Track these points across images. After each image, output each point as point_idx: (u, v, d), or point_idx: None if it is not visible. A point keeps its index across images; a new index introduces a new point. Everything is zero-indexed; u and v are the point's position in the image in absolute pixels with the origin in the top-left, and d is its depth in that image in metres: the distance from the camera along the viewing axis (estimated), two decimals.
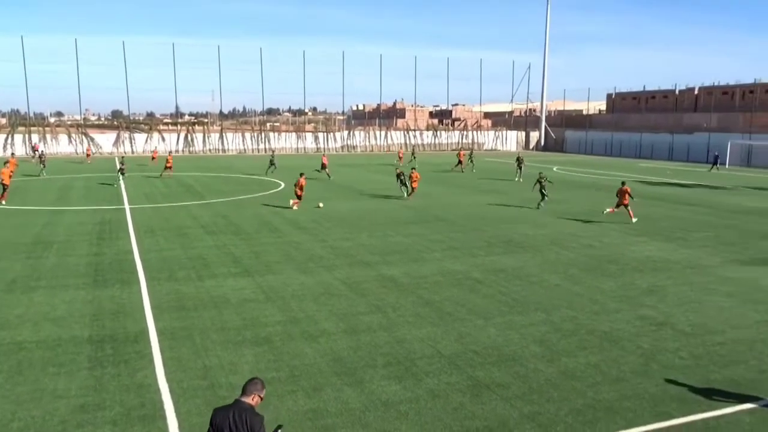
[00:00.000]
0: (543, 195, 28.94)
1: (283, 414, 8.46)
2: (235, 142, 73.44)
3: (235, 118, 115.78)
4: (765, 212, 28.42)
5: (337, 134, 78.88)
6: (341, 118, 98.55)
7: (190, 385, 9.40)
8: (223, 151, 72.41)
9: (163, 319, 12.46)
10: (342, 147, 77.65)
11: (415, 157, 55.87)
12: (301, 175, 29.10)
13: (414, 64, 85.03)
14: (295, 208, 27.44)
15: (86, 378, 9.64)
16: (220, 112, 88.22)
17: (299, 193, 27.99)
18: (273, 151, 52.30)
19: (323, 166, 42.14)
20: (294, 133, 77.19)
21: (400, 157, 57.10)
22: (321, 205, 28.38)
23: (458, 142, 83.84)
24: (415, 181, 31.39)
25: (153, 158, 55.14)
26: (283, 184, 37.64)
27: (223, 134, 73.49)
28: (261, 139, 74.39)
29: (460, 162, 50.10)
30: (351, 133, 79.80)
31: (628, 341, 11.52)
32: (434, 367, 10.17)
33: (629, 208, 25.24)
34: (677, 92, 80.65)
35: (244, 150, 73.22)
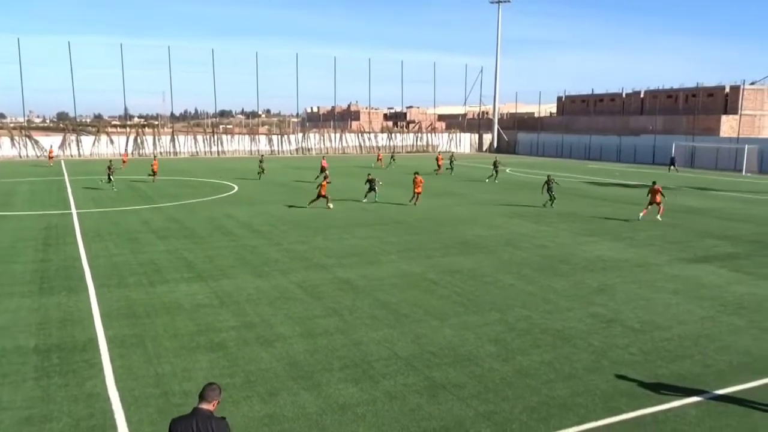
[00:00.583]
0: (551, 196, 30.22)
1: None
2: (187, 144, 72.11)
3: (187, 120, 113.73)
4: (707, 211, 29.48)
5: (292, 137, 78.30)
6: (295, 120, 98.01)
7: (142, 394, 9.18)
8: (175, 153, 71.01)
9: (113, 326, 12.14)
10: (296, 149, 77.15)
11: (394, 160, 56.04)
12: (325, 178, 29.80)
13: (368, 66, 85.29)
14: (331, 206, 28.42)
15: (32, 389, 9.31)
16: (171, 114, 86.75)
17: (323, 192, 28.49)
18: (262, 156, 50.75)
19: (322, 169, 41.95)
20: (247, 136, 76.28)
21: (379, 159, 57.02)
22: (331, 206, 28.57)
23: (413, 144, 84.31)
24: (418, 185, 30.28)
25: (123, 162, 53.72)
26: (236, 187, 37.17)
27: (175, 137, 72.09)
28: (213, 141, 73.26)
29: (439, 167, 49.46)
30: (305, 135, 79.35)
31: (580, 339, 11.78)
32: (391, 369, 10.20)
33: (661, 205, 26.31)
34: (624, 96, 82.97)
35: (197, 153, 71.98)
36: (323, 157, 48.32)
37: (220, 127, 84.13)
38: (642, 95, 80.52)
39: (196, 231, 22.53)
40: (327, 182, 29.30)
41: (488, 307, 13.67)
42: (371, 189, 31.48)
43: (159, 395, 9.15)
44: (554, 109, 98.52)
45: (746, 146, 55.90)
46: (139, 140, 70.30)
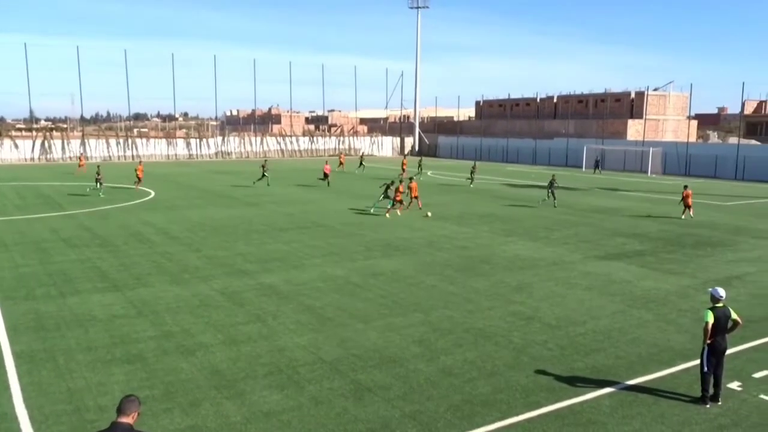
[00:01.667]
0: (553, 195, 32.30)
1: None
2: (99, 149, 69.04)
3: (99, 124, 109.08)
4: (616, 211, 31.00)
5: (211, 140, 76.44)
6: (214, 123, 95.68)
7: (53, 411, 8.71)
8: (86, 158, 67.89)
9: (21, 341, 11.46)
10: (216, 153, 75.40)
11: (362, 165, 55.38)
12: (401, 182, 29.02)
13: (289, 69, 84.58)
14: (398, 213, 28.03)
15: None
16: (81, 117, 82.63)
17: (399, 197, 27.92)
18: (265, 160, 48.23)
19: (340, 163, 41.60)
20: (164, 140, 73.88)
21: (341, 163, 56.10)
22: (429, 214, 28.02)
23: (335, 148, 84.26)
24: (414, 191, 30.03)
25: (80, 166, 50.98)
26: (153, 193, 35.92)
27: (85, 141, 68.87)
28: (127, 145, 70.52)
29: (403, 171, 48.21)
30: (225, 139, 77.68)
31: (501, 336, 12.11)
32: (316, 374, 10.13)
33: (691, 207, 28.64)
34: (538, 100, 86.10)
35: (109, 157, 69.03)
36: (326, 162, 47.16)
37: (135, 130, 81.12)
38: (555, 100, 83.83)
39: (110, 239, 21.61)
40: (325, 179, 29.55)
41: (412, 309, 13.83)
42: (386, 196, 29.52)
43: (72, 412, 8.71)
44: (473, 113, 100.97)
45: (651, 149, 59.21)
46: (46, 145, 66.72)
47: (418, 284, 15.98)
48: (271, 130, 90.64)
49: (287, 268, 17.48)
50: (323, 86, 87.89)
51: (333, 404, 9.06)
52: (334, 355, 11.00)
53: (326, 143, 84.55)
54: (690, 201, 28.73)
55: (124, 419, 5.30)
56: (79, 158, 54.38)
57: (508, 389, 9.68)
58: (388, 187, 29.62)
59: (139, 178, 38.59)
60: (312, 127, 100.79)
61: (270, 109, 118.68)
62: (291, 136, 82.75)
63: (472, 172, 44.46)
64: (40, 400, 9.05)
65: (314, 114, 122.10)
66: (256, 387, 9.60)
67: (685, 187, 29.74)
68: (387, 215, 27.72)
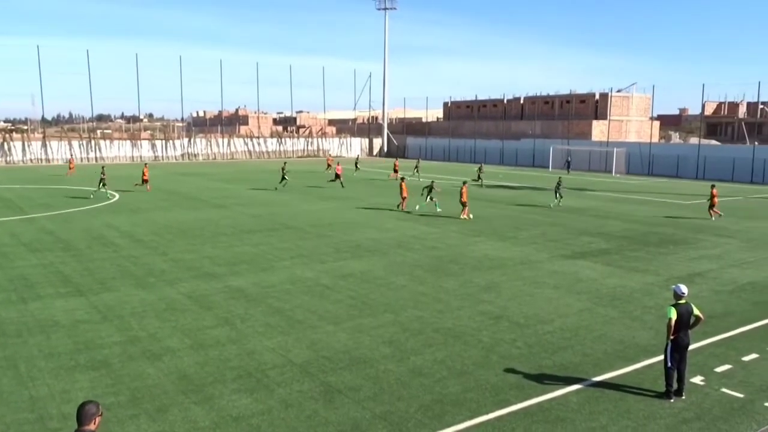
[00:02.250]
0: (559, 195, 33.37)
1: None
2: (61, 150, 67.49)
3: (61, 125, 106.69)
4: (582, 211, 31.47)
5: (177, 142, 75.37)
6: (180, 125, 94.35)
7: (14, 420, 8.48)
8: (47, 160, 66.30)
9: None
10: (182, 155, 74.39)
11: (358, 168, 55.40)
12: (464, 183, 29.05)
13: (256, 70, 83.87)
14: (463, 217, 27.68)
15: None
16: (43, 118, 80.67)
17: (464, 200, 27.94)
18: (285, 162, 47.02)
19: (395, 170, 43.41)
20: (128, 141, 72.60)
21: (329, 165, 55.23)
22: (471, 216, 28.45)
23: (304, 149, 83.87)
24: (404, 190, 30.86)
25: (71, 168, 50.46)
26: (117, 195, 35.28)
27: (47, 142, 67.29)
28: (91, 147, 69.12)
29: (395, 172, 46.83)
30: (192, 140, 76.68)
31: (470, 336, 12.19)
32: (286, 377, 10.06)
33: (715, 207, 29.41)
34: (505, 102, 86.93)
35: (72, 159, 67.63)
36: (338, 163, 46.75)
37: (98, 132, 79.51)
38: (522, 101, 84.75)
39: (73, 243, 21.15)
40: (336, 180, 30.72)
41: (382, 309, 13.83)
42: (430, 196, 30.73)
43: (34, 420, 8.49)
44: (441, 114, 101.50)
45: (615, 149, 60.28)
46: (6, 146, 65.02)
47: (388, 285, 15.99)
48: (239, 131, 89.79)
49: (256, 271, 17.33)
50: (291, 87, 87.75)
51: (303, 407, 9.00)
52: (304, 357, 10.94)
53: (295, 144, 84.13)
54: (715, 200, 29.35)
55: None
56: (69, 161, 53.67)
57: (477, 388, 9.75)
58: (431, 189, 30.83)
59: (145, 180, 38.11)
60: (280, 128, 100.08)
61: (237, 111, 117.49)
62: (259, 137, 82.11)
63: (479, 171, 45.97)
64: (1, 409, 8.81)
65: (282, 115, 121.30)
66: (225, 391, 9.49)
67: (713, 186, 30.52)
68: (438, 209, 30.05)
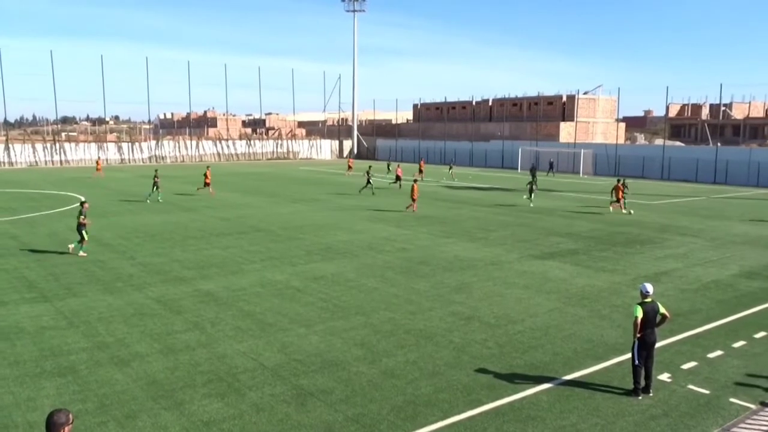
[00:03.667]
0: (532, 192, 35.00)
1: None
2: (25, 154, 65.96)
3: (24, 128, 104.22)
4: (551, 211, 31.86)
5: (144, 144, 74.22)
6: (147, 127, 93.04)
7: None
8: (10, 164, 64.70)
9: None
10: (150, 158, 73.30)
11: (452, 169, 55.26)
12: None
13: (224, 71, 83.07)
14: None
15: None
16: (5, 120, 78.76)
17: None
18: (369, 166, 45.46)
19: (398, 178, 42.47)
20: (94, 144, 71.25)
21: (421, 170, 52.32)
22: (632, 211, 30.89)
23: (273, 152, 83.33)
24: (414, 192, 31.02)
25: (98, 170, 50.79)
26: (83, 199, 34.51)
27: (9, 145, 65.66)
28: (55, 150, 67.68)
29: (398, 178, 44.27)
30: (159, 143, 75.61)
31: (442, 336, 12.24)
32: (257, 381, 9.98)
33: (623, 202, 31.28)
34: (474, 103, 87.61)
35: (36, 162, 66.07)
36: (398, 165, 48.04)
37: (63, 134, 77.88)
38: (490, 103, 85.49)
39: (38, 247, 20.68)
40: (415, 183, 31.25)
41: (353, 312, 13.81)
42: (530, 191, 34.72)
43: None
44: (411, 116, 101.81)
45: (582, 151, 61.18)
46: None
47: (359, 287, 15.97)
48: (207, 133, 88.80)
49: (226, 274, 17.16)
50: (260, 89, 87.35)
51: (275, 411, 8.94)
52: (276, 360, 10.86)
53: (264, 146, 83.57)
54: (621, 195, 30.89)
55: None
56: (97, 162, 53.25)
57: (449, 389, 9.79)
58: (533, 181, 35.36)
59: (206, 183, 37.40)
60: (249, 130, 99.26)
61: (206, 113, 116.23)
62: (228, 139, 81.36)
63: (532, 172, 45.66)
64: None
65: (251, 117, 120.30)
66: (195, 396, 9.37)
67: (619, 180, 32.12)
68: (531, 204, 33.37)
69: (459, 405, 9.22)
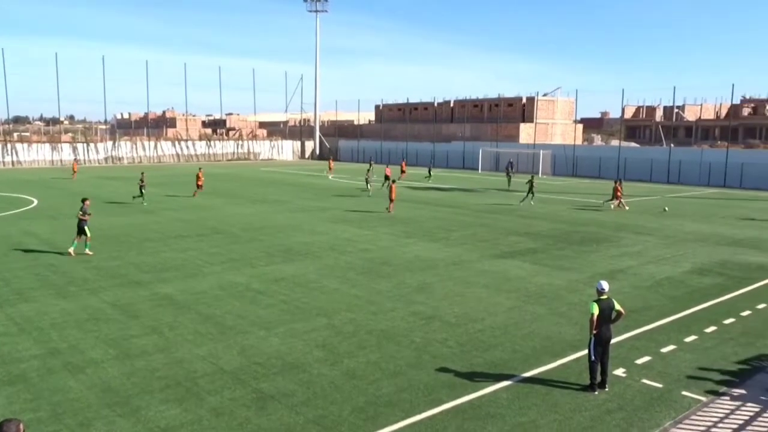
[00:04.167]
0: (532, 193, 35.19)
1: None
2: None
3: None
4: (511, 211, 32.28)
5: (100, 145, 72.53)
6: (104, 127, 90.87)
7: None
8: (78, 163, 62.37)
9: None
10: (106, 159, 71.68)
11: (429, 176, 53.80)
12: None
13: (184, 71, 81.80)
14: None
15: None
16: None
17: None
18: (370, 166, 46.29)
19: (386, 178, 41.35)
20: (47, 144, 69.34)
21: (403, 171, 53.86)
22: (666, 209, 32.74)
23: (234, 152, 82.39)
24: (393, 193, 31.15)
25: (74, 171, 49.66)
26: (36, 201, 33.62)
27: None
28: (7, 151, 65.62)
29: (387, 178, 42.85)
30: (116, 143, 73.99)
31: (403, 336, 12.28)
32: (217, 385, 9.85)
33: (621, 200, 33.64)
34: (436, 105, 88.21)
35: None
36: (387, 166, 47.75)
37: (15, 134, 75.54)
38: (452, 105, 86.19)
39: None
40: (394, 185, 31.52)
41: (315, 313, 13.75)
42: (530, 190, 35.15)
43: None
44: (373, 117, 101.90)
45: (541, 151, 62.16)
46: None
47: (320, 288, 15.91)
48: (166, 134, 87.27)
49: (184, 277, 16.89)
50: (221, 89, 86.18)
51: (234, 415, 8.83)
52: (235, 364, 10.74)
53: (224, 147, 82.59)
54: (620, 193, 33.10)
55: None
56: (73, 163, 51.61)
57: (410, 388, 9.83)
58: (531, 183, 35.11)
59: (199, 186, 37.05)
60: (209, 130, 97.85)
61: (164, 113, 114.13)
62: (187, 140, 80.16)
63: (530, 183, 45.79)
64: None
65: (211, 117, 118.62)
66: (153, 402, 9.19)
67: (617, 181, 34.46)
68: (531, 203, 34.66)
69: (420, 404, 9.26)
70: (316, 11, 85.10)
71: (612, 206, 34.05)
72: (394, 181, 32.75)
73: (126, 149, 73.92)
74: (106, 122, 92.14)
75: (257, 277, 17.01)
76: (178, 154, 77.44)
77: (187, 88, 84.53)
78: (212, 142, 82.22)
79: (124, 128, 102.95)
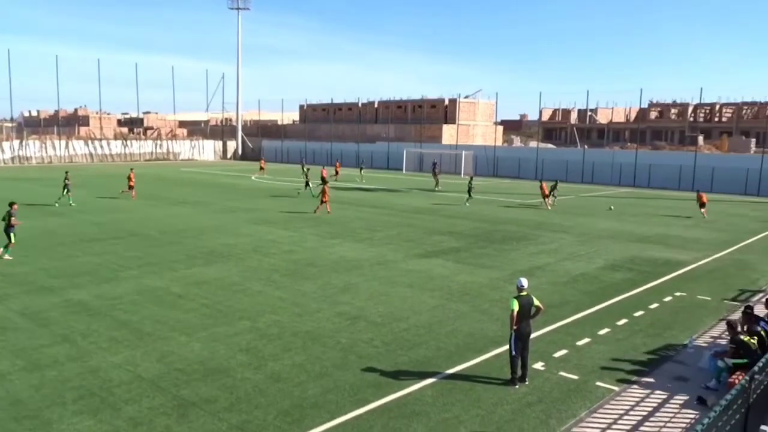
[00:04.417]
0: (470, 195, 36.26)
1: None
2: None
3: None
4: (434, 211, 32.79)
5: (5, 144, 68.37)
6: (9, 125, 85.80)
7: None
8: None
9: None
10: (12, 159, 67.66)
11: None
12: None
13: (97, 67, 78.32)
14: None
15: None
16: None
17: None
18: (308, 169, 44.49)
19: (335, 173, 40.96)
20: None
21: (337, 172, 53.07)
22: (612, 207, 34.22)
23: (152, 152, 79.68)
24: (325, 195, 30.66)
25: None
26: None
27: None
28: None
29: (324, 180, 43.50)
30: (23, 143, 69.98)
31: (329, 338, 12.23)
32: (134, 393, 9.48)
33: (548, 200, 35.24)
34: (360, 105, 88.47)
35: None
36: (323, 167, 46.30)
37: None
38: (376, 105, 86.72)
39: None
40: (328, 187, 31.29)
41: (238, 316, 13.48)
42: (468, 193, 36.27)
43: None
44: (297, 117, 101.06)
45: (463, 152, 63.51)
46: None
47: (244, 291, 15.62)
48: (78, 133, 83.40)
49: (99, 282, 16.17)
50: (137, 86, 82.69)
51: (154, 424, 8.53)
52: (155, 371, 10.37)
53: (142, 147, 79.70)
54: (704, 200, 32.50)
55: None
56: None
57: (336, 389, 9.80)
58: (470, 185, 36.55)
59: (131, 186, 35.38)
60: (125, 129, 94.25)
61: (76, 111, 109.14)
62: (101, 139, 76.81)
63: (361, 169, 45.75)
64: None
65: (128, 116, 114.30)
66: (65, 414, 8.75)
67: (698, 191, 33.96)
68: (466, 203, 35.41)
69: (346, 405, 9.24)
70: (238, 8, 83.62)
71: (548, 204, 35.43)
72: (326, 183, 32.66)
73: (34, 149, 70.03)
74: (12, 120, 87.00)
75: (177, 280, 16.51)
76: (91, 154, 74.09)
77: (101, 85, 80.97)
78: (129, 142, 79.14)
79: (32, 126, 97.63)
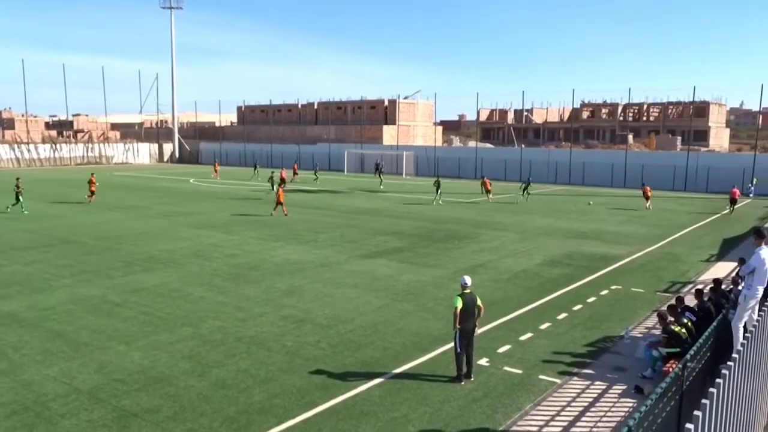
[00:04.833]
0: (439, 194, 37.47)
1: None
2: None
3: None
4: (377, 212, 32.87)
5: None
6: None
7: None
8: None
9: None
10: None
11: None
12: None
13: (22, 68, 74.95)
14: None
15: None
16: None
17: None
18: (273, 172, 43.69)
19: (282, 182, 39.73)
20: None
21: (295, 173, 53.19)
22: (591, 202, 35.94)
23: (83, 156, 76.83)
24: (281, 197, 30.60)
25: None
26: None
27: None
28: None
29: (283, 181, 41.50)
30: None
31: (274, 341, 12.09)
32: (71, 407, 9.12)
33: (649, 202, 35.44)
34: (300, 107, 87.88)
35: None
36: (282, 169, 46.56)
37: None
38: (316, 106, 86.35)
39: None
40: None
41: (180, 323, 13.16)
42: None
43: None
44: (235, 119, 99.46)
45: (404, 153, 63.92)
46: None
47: (185, 297, 15.25)
48: (3, 136, 79.56)
49: (30, 292, 15.48)
50: (65, 88, 79.85)
51: None
52: (92, 383, 10.00)
53: (72, 151, 76.73)
54: (649, 193, 35.32)
55: None
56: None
57: (283, 393, 9.70)
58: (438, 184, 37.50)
59: (92, 192, 34.38)
60: (54, 133, 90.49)
61: (0, 113, 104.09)
62: (28, 143, 73.54)
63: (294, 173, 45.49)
64: None
65: (56, 119, 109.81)
66: None
67: (643, 185, 37.02)
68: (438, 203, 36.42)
69: (294, 409, 9.16)
70: (171, 8, 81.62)
71: (490, 198, 38.04)
72: (281, 185, 32.37)
73: None
74: None
75: (114, 288, 15.98)
76: (18, 159, 70.83)
77: (27, 86, 77.57)
78: (58, 145, 76.03)
79: None
